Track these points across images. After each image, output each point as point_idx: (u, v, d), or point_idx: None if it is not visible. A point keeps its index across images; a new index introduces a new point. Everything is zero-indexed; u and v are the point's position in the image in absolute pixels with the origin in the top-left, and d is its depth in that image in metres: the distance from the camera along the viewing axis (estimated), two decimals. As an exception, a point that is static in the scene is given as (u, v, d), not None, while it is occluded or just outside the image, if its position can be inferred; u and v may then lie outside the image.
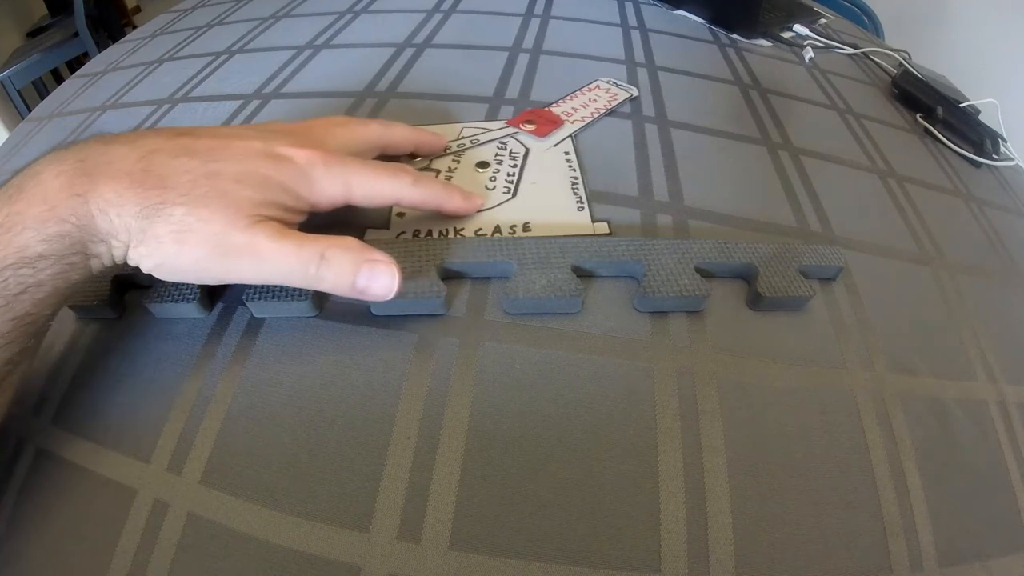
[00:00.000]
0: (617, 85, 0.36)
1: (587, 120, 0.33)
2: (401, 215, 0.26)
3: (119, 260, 0.19)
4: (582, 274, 0.23)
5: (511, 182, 0.28)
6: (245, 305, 0.22)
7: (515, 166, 0.29)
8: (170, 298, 0.22)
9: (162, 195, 0.18)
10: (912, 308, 0.26)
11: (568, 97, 0.35)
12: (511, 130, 0.32)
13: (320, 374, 0.21)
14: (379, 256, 0.20)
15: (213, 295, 0.23)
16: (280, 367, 0.21)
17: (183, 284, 0.22)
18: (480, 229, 0.25)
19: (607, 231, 0.26)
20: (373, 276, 0.19)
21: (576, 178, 0.28)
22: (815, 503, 0.19)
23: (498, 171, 0.29)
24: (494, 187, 0.28)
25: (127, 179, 0.17)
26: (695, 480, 0.19)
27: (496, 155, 0.30)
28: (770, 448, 0.20)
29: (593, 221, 0.26)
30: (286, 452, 0.19)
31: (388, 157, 0.27)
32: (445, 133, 0.30)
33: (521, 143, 0.31)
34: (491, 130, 0.32)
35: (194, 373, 0.21)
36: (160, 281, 0.23)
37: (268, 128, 0.23)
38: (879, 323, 0.25)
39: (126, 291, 0.24)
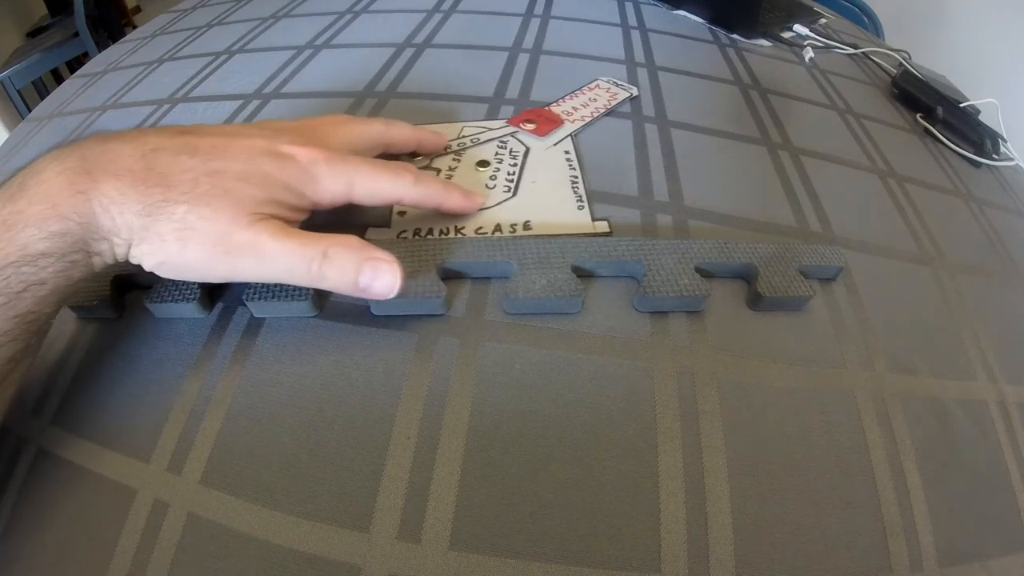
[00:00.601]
0: (617, 84, 0.37)
1: (587, 119, 0.33)
2: (402, 214, 0.26)
3: (121, 258, 0.19)
4: (582, 274, 0.23)
5: (511, 181, 0.28)
6: (245, 305, 0.22)
7: (515, 165, 0.29)
8: (170, 298, 0.22)
9: (164, 193, 0.18)
10: (912, 308, 0.26)
11: (568, 97, 0.35)
12: (511, 129, 0.32)
13: (320, 374, 0.21)
14: (381, 255, 0.20)
15: (213, 295, 0.23)
16: (280, 367, 0.21)
17: (183, 284, 0.22)
18: (481, 228, 0.25)
19: (607, 230, 0.26)
20: (376, 275, 0.19)
21: (576, 177, 0.29)
22: (815, 503, 0.19)
23: (498, 170, 0.29)
24: (494, 186, 0.28)
25: (129, 176, 0.17)
26: (695, 480, 0.19)
27: (496, 154, 0.30)
28: (770, 448, 0.20)
29: (593, 220, 0.26)
30: (286, 452, 0.19)
31: (389, 155, 0.27)
32: (446, 132, 0.30)
33: (521, 142, 0.31)
34: (491, 129, 0.32)
35: (194, 373, 0.21)
36: (160, 281, 0.23)
37: (270, 126, 0.23)
38: (879, 323, 0.25)
39: (126, 291, 0.24)
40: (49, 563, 0.18)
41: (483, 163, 0.29)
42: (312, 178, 0.20)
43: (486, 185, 0.28)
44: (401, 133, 0.27)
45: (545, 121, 0.32)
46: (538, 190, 0.28)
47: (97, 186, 0.17)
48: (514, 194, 0.27)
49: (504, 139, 0.31)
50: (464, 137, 0.31)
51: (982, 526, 0.20)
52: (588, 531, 0.18)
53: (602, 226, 0.26)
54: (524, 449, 0.19)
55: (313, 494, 0.18)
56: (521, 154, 0.30)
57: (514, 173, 0.28)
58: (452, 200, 0.25)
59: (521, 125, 0.32)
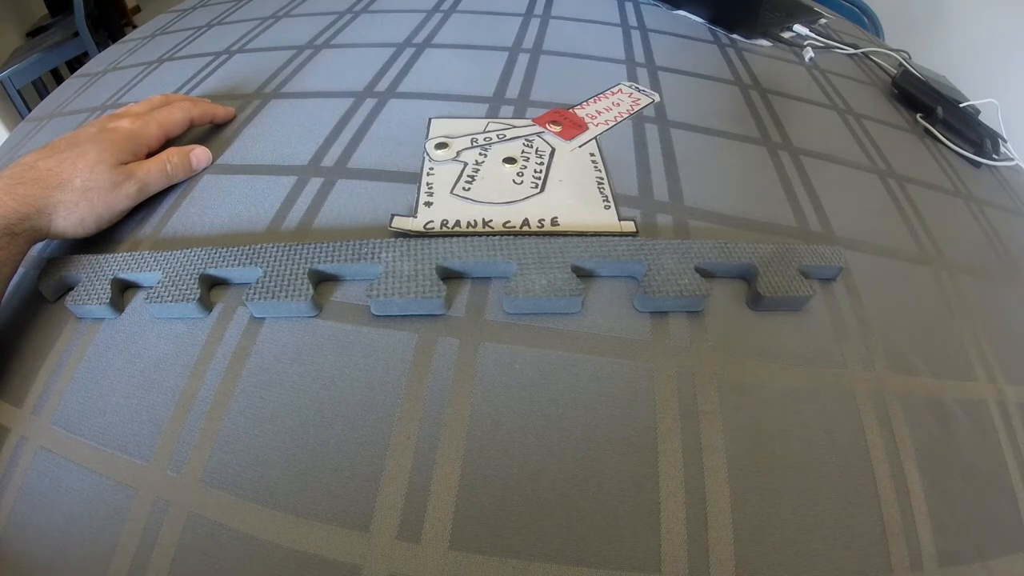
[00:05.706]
0: (639, 90, 0.37)
1: (611, 124, 0.33)
2: (429, 204, 0.27)
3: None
4: (582, 274, 0.23)
5: (538, 178, 0.29)
6: (245, 305, 0.22)
7: (542, 164, 0.30)
8: (170, 298, 0.22)
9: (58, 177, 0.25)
10: (912, 308, 0.26)
11: (591, 100, 0.35)
12: (537, 129, 0.32)
13: (320, 374, 0.21)
14: (195, 147, 0.30)
15: (213, 295, 0.23)
16: (280, 367, 0.21)
17: (183, 284, 0.22)
18: (508, 221, 0.26)
19: (633, 230, 0.26)
20: (195, 156, 0.29)
21: (602, 178, 0.29)
22: (815, 503, 0.19)
23: (525, 167, 0.29)
24: (522, 182, 0.28)
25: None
26: (695, 480, 0.19)
27: (523, 152, 0.30)
28: (770, 448, 0.20)
29: (620, 220, 0.26)
30: (286, 452, 0.19)
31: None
32: (467, 127, 0.32)
33: (547, 142, 0.31)
34: (516, 127, 0.32)
35: (194, 373, 0.21)
36: (160, 281, 0.23)
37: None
38: (879, 323, 0.24)
39: (126, 291, 0.24)
40: (49, 563, 0.18)
41: (510, 160, 0.30)
42: (135, 133, 0.28)
43: (513, 180, 0.28)
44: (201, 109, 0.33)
45: (571, 125, 0.32)
46: (565, 189, 0.28)
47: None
48: (541, 190, 0.28)
49: (530, 138, 0.31)
50: (489, 132, 0.32)
51: (982, 526, 0.20)
52: (588, 531, 0.18)
53: (628, 226, 0.26)
54: (524, 449, 0.19)
55: (313, 494, 0.18)
56: (547, 154, 0.30)
57: (540, 171, 0.29)
58: (203, 110, 0.32)
59: (547, 126, 0.32)
